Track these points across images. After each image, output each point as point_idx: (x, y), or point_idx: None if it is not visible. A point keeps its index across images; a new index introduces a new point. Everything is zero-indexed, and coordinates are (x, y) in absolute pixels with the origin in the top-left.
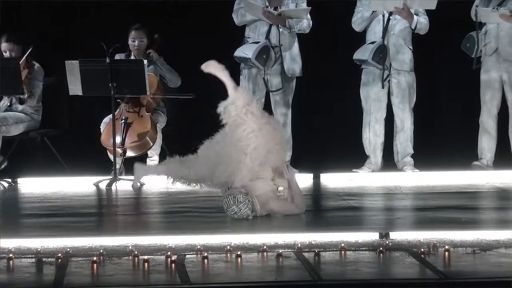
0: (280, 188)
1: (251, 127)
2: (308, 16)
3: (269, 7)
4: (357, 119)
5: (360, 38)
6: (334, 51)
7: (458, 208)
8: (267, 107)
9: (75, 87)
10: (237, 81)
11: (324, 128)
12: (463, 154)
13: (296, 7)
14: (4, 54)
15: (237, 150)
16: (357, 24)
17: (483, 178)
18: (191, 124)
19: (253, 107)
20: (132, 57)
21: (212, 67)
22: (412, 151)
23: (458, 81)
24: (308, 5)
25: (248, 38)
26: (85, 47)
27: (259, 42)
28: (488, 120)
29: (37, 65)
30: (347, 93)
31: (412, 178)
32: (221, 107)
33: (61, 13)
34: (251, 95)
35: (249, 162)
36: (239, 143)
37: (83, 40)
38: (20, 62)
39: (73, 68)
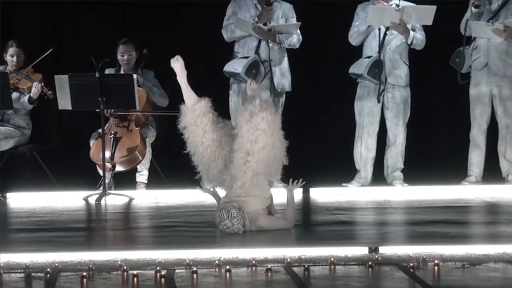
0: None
1: (262, 125)
2: (298, 31)
3: (259, 22)
4: (346, 133)
5: (350, 53)
6: (324, 66)
7: (448, 223)
8: None
9: (64, 102)
10: (226, 95)
11: (314, 142)
12: (453, 169)
13: (286, 22)
14: (10, 58)
15: (244, 145)
16: (353, 38)
17: (472, 192)
18: (180, 139)
19: (270, 107)
20: (122, 72)
21: (178, 67)
22: (402, 166)
23: (450, 96)
24: (298, 21)
25: (238, 53)
26: (75, 61)
27: (249, 57)
28: (478, 135)
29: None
30: (337, 107)
31: (401, 193)
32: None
33: (51, 26)
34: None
35: (254, 163)
36: (247, 136)
37: (73, 55)
38: (27, 70)
39: (62, 83)
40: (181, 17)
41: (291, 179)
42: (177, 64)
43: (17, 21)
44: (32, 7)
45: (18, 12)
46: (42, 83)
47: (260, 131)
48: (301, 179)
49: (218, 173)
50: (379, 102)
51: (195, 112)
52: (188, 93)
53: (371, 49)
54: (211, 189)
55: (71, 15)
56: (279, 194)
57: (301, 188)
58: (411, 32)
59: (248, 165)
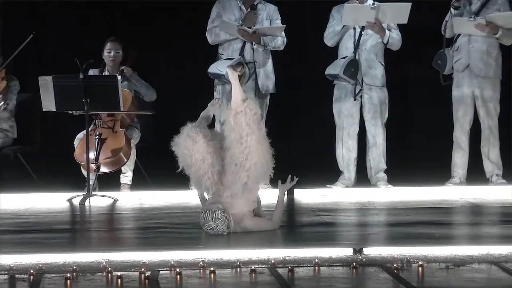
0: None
1: (251, 142)
2: (283, 33)
3: (243, 25)
4: (330, 134)
5: (333, 54)
6: (308, 68)
7: (432, 224)
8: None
9: (48, 103)
10: (211, 96)
11: (298, 143)
12: (437, 170)
13: (270, 24)
14: None
15: (235, 158)
16: (328, 38)
17: (456, 193)
18: (165, 140)
19: (259, 118)
20: (106, 72)
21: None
22: (385, 167)
23: (431, 96)
24: (282, 22)
25: (222, 55)
26: (59, 62)
27: (233, 58)
28: (461, 136)
29: (15, 79)
30: (322, 108)
31: (385, 194)
32: (228, 114)
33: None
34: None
35: (245, 177)
36: (240, 153)
37: (57, 56)
38: None
39: (46, 84)
40: (167, 18)
41: (289, 176)
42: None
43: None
44: (17, 7)
45: (3, 13)
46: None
47: (250, 148)
48: (296, 178)
49: (211, 184)
50: (355, 100)
51: (187, 141)
52: (202, 116)
53: (346, 49)
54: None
55: (55, 15)
56: (267, 195)
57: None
58: (387, 31)
59: (239, 176)
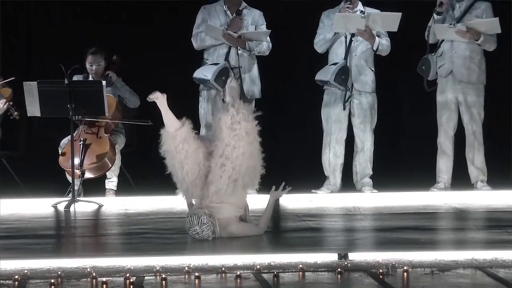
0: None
1: (242, 132)
2: (268, 38)
3: (228, 30)
4: (315, 140)
5: (319, 60)
6: (294, 73)
7: (417, 229)
8: None
9: (33, 108)
10: (196, 102)
11: (283, 149)
12: (422, 175)
13: (256, 29)
14: None
15: (221, 149)
16: (319, 45)
17: (441, 199)
18: (150, 145)
19: (250, 114)
20: (91, 78)
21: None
22: (371, 172)
23: (418, 102)
24: (268, 28)
25: (207, 60)
26: (44, 68)
27: (218, 63)
28: (445, 142)
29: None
30: (306, 114)
31: (371, 199)
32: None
33: (20, 34)
34: (211, 116)
35: (230, 169)
36: (226, 140)
37: (42, 61)
38: None
39: (31, 89)
40: (153, 22)
41: (283, 183)
42: (160, 101)
43: None
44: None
45: None
46: (11, 102)
47: (239, 136)
48: (289, 187)
49: (199, 192)
50: (344, 109)
51: (175, 139)
52: (168, 118)
53: (337, 55)
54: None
55: (40, 21)
56: (254, 201)
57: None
58: (377, 38)
59: (224, 169)
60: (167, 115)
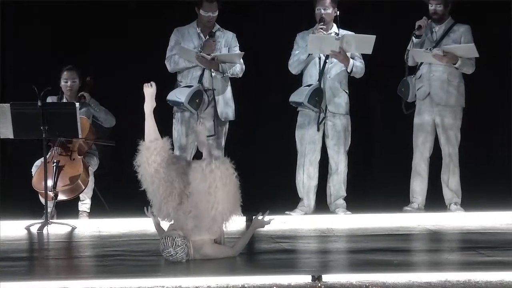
0: None
1: (221, 194)
2: (241, 60)
3: (202, 52)
4: (289, 161)
5: (293, 81)
6: (268, 94)
7: (390, 251)
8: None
9: (6, 130)
10: (169, 123)
11: (257, 170)
12: (395, 197)
13: (229, 51)
14: None
15: (204, 210)
16: (293, 66)
17: (415, 220)
18: (124, 167)
19: (222, 160)
20: (64, 100)
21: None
22: (344, 194)
23: (393, 124)
24: (241, 50)
25: (181, 82)
26: (17, 89)
27: (192, 86)
28: (420, 163)
29: None
30: (280, 135)
31: (344, 221)
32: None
33: None
34: (185, 138)
35: (216, 228)
36: (206, 199)
37: (15, 83)
38: None
39: (4, 111)
40: (127, 43)
41: (267, 211)
42: (149, 91)
43: None
44: None
45: None
46: None
47: (219, 198)
48: (272, 218)
49: (172, 210)
50: (318, 130)
51: (149, 150)
52: (149, 125)
53: (311, 77)
54: (156, 219)
55: (14, 44)
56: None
57: (244, 216)
58: (351, 60)
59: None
60: (150, 120)
